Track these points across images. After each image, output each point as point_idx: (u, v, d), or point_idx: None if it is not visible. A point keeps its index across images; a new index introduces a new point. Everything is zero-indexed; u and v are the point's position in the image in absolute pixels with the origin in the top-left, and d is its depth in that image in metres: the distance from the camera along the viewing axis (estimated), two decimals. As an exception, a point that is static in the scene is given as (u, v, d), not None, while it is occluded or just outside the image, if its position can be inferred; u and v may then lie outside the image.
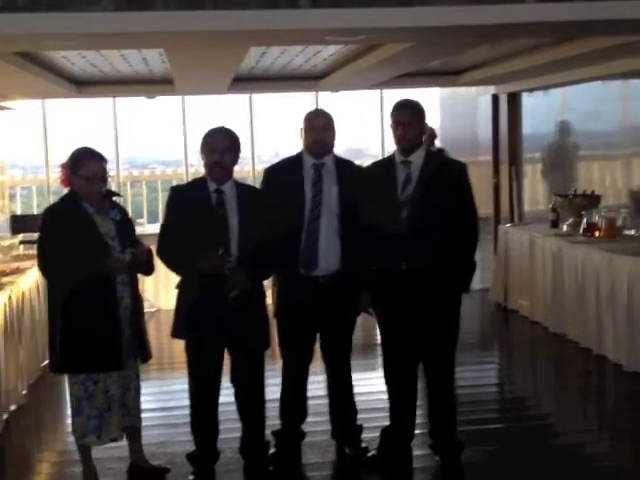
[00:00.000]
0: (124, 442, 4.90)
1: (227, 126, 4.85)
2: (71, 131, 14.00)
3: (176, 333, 4.80)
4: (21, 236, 9.11)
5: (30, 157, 14.39)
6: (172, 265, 4.75)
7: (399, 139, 4.82)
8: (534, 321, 8.55)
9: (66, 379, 4.82)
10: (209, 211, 4.69)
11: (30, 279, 7.03)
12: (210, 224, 4.64)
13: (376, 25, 4.83)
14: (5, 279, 6.65)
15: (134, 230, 4.91)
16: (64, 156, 4.81)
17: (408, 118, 4.79)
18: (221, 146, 4.71)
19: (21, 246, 8.66)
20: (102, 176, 4.66)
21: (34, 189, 14.13)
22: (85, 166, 4.61)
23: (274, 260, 4.77)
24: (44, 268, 4.68)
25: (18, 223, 9.82)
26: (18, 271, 7.06)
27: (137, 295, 4.79)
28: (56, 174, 5.25)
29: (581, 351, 7.42)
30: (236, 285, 4.60)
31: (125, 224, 4.78)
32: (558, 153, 10.15)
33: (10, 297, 6.30)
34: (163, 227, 4.84)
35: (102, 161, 4.68)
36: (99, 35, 4.88)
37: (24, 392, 6.50)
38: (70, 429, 4.87)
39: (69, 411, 4.82)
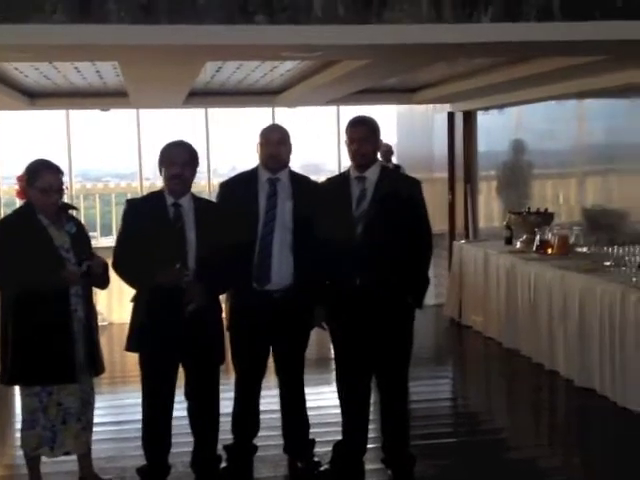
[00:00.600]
0: (73, 456, 4.84)
1: (185, 140, 4.84)
2: (23, 143, 13.81)
3: (131, 347, 4.76)
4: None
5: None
6: (128, 278, 4.71)
7: (354, 155, 4.85)
8: (488, 337, 8.61)
9: (16, 392, 4.76)
10: (166, 225, 4.67)
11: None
12: (167, 238, 4.62)
13: (333, 42, 4.84)
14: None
15: (90, 243, 4.87)
16: (15, 168, 4.77)
17: (363, 134, 4.83)
18: (182, 159, 4.71)
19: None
20: (58, 188, 4.62)
21: (-16, 201, 13.93)
22: (41, 178, 4.57)
23: (231, 274, 4.76)
24: (-3, 279, 4.63)
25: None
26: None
27: (91, 308, 4.75)
28: (6, 186, 5.20)
29: (533, 366, 7.49)
30: (193, 299, 4.58)
31: (80, 237, 4.73)
32: (513, 171, 10.24)
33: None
34: (119, 240, 4.81)
35: (59, 173, 4.65)
36: (52, 47, 4.82)
37: (-29, 406, 6.42)
38: (19, 443, 4.81)
39: (18, 425, 4.75)
